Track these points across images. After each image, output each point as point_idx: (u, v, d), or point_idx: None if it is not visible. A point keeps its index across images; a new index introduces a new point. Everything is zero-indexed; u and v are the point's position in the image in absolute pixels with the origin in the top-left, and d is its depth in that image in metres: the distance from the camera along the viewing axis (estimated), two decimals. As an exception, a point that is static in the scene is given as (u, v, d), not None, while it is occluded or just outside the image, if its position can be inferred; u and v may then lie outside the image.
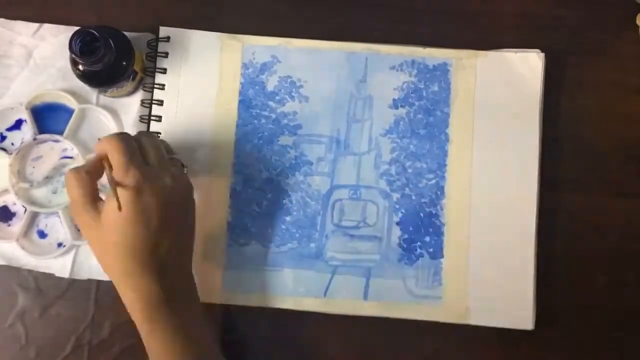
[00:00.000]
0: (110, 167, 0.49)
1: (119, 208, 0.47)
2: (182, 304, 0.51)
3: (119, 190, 0.48)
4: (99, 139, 0.51)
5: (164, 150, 0.53)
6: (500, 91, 0.60)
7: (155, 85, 0.60)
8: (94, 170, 0.50)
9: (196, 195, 0.55)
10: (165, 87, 0.60)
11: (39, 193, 0.59)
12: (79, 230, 0.59)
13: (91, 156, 0.51)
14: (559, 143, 0.60)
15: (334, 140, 0.60)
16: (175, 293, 0.50)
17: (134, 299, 0.50)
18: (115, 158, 0.49)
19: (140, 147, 0.51)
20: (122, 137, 0.50)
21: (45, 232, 0.59)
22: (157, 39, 0.61)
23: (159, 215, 0.49)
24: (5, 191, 0.59)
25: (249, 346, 0.59)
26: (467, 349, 0.58)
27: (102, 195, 0.51)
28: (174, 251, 0.51)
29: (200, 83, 0.60)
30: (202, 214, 0.58)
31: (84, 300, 0.59)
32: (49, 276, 0.59)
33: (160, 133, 0.59)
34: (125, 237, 0.48)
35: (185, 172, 0.56)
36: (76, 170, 0.50)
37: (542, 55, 0.60)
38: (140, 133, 0.53)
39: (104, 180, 0.50)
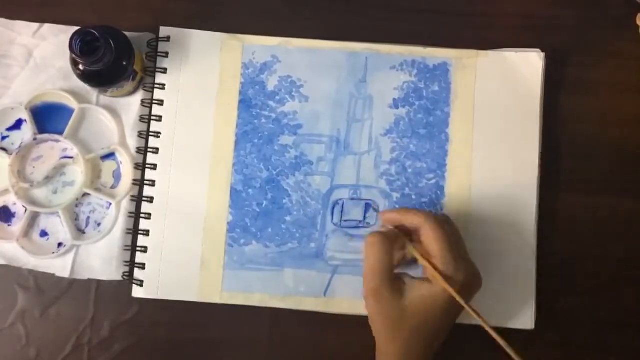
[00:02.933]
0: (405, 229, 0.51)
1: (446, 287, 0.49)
2: None
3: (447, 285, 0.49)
4: (412, 211, 0.53)
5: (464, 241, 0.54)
6: (501, 91, 0.60)
7: (156, 85, 0.60)
8: (394, 241, 0.51)
9: (196, 195, 0.56)
10: (166, 87, 0.60)
11: (39, 193, 0.59)
12: (79, 230, 0.59)
13: (402, 220, 0.53)
14: (559, 143, 0.60)
15: (334, 140, 0.60)
16: None
17: None
18: (442, 246, 0.50)
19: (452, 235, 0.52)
20: (442, 223, 0.51)
21: (46, 232, 0.59)
22: (158, 39, 0.61)
23: (459, 313, 0.51)
24: (6, 191, 0.59)
25: (249, 346, 0.59)
26: (467, 348, 0.58)
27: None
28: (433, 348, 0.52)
29: (201, 83, 0.60)
30: (202, 213, 0.59)
31: (84, 300, 0.59)
32: (49, 276, 0.59)
33: (160, 133, 0.60)
34: (427, 327, 0.50)
35: None
36: (384, 236, 0.51)
37: (543, 55, 0.60)
38: (445, 220, 0.53)
39: None
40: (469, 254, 0.54)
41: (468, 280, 0.50)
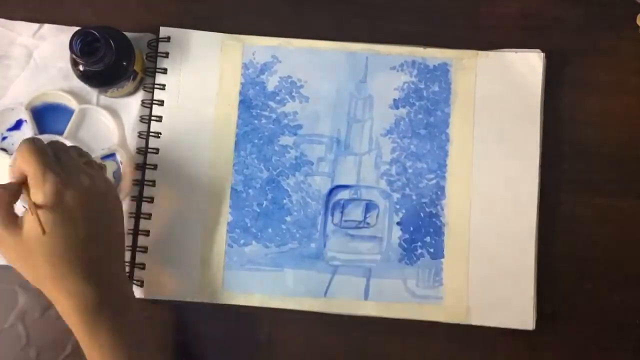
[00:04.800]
0: (26, 183, 0.48)
1: (43, 231, 0.46)
2: (120, 311, 0.50)
3: (40, 210, 0.47)
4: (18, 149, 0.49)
5: (75, 153, 0.52)
6: (501, 91, 0.60)
7: (156, 86, 0.60)
8: (9, 185, 0.49)
9: (196, 195, 0.55)
10: (166, 87, 0.60)
11: (39, 193, 0.59)
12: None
13: (16, 172, 0.50)
14: (559, 143, 0.60)
15: (334, 140, 0.60)
16: (112, 299, 0.50)
17: (70, 306, 0.48)
18: (31, 169, 0.48)
19: (54, 153, 0.49)
20: (34, 145, 0.48)
21: (46, 232, 0.59)
22: (158, 39, 0.61)
23: (83, 216, 0.48)
24: (6, 191, 0.59)
25: (249, 346, 0.59)
26: (467, 349, 0.58)
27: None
28: (104, 256, 0.50)
29: (201, 83, 0.60)
30: (203, 214, 0.59)
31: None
32: (49, 276, 0.59)
33: (160, 133, 0.60)
34: (52, 243, 0.47)
35: (104, 168, 0.56)
36: None
37: (543, 55, 0.60)
38: (49, 142, 0.51)
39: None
40: (97, 167, 0.53)
41: (62, 186, 0.47)
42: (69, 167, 0.50)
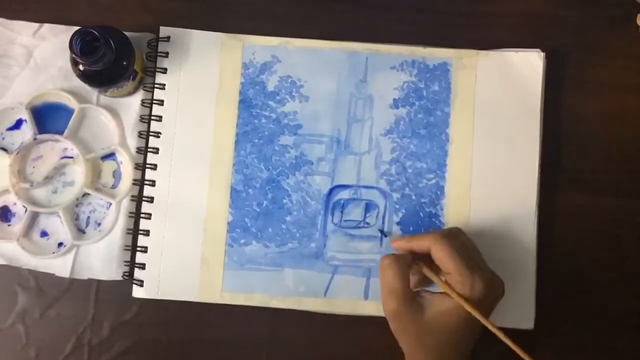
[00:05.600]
0: (432, 266, 0.52)
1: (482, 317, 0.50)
2: None
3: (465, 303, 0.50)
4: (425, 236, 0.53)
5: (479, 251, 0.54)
6: (501, 91, 0.60)
7: (156, 85, 0.60)
8: (409, 261, 0.52)
9: (196, 195, 0.55)
10: (166, 86, 0.60)
11: (39, 193, 0.59)
12: (79, 230, 0.59)
13: (416, 247, 0.53)
14: (559, 143, 0.60)
15: (334, 140, 0.60)
16: None
17: None
18: (456, 263, 0.50)
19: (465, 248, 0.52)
20: (449, 242, 0.51)
21: (46, 232, 0.59)
22: (158, 39, 0.61)
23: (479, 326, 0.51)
24: (6, 191, 0.59)
25: (249, 346, 0.59)
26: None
27: None
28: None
29: (201, 83, 0.60)
30: (203, 213, 0.59)
31: (84, 300, 0.59)
32: (49, 276, 0.59)
33: (160, 133, 0.59)
34: (450, 340, 0.50)
35: None
36: (394, 257, 0.52)
37: (543, 55, 0.60)
38: (457, 233, 0.54)
39: None
40: (486, 263, 0.54)
41: (487, 289, 0.51)
42: (483, 267, 0.53)
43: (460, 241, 0.53)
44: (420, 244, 0.52)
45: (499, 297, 0.53)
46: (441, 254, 0.51)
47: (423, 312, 0.51)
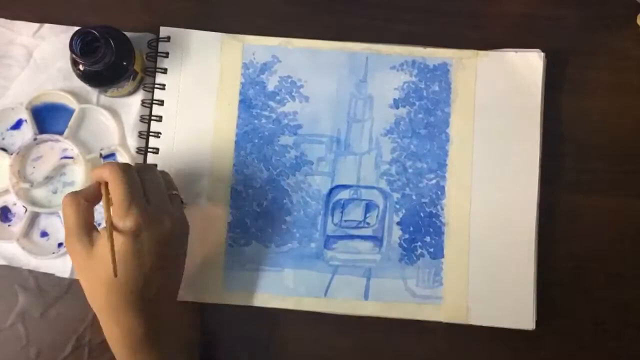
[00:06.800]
0: (108, 200, 0.48)
1: (113, 260, 0.46)
2: (166, 337, 0.51)
3: (116, 234, 0.47)
4: (102, 165, 0.49)
5: (164, 187, 0.52)
6: (501, 91, 0.60)
7: (156, 85, 0.60)
8: (92, 197, 0.49)
9: (196, 195, 0.55)
10: (166, 87, 0.60)
11: (40, 193, 0.59)
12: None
13: (94, 177, 0.50)
14: (559, 143, 0.60)
15: (334, 140, 0.60)
16: (159, 326, 0.50)
17: (117, 336, 0.49)
18: (117, 195, 0.47)
19: (142, 184, 0.49)
20: (126, 171, 0.48)
21: (46, 232, 0.59)
22: (158, 39, 0.61)
23: (153, 258, 0.48)
24: (6, 191, 0.59)
25: (248, 346, 0.59)
26: (467, 349, 0.58)
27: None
28: (163, 288, 0.50)
29: (201, 83, 0.60)
30: (203, 214, 0.59)
31: (84, 300, 0.58)
32: (50, 276, 0.59)
33: (160, 133, 0.59)
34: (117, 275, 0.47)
35: (184, 207, 0.55)
36: (74, 195, 0.49)
37: (543, 55, 0.60)
38: (142, 168, 0.51)
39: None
40: (170, 203, 0.51)
41: (143, 224, 0.47)
42: (155, 203, 0.49)
43: (133, 174, 0.49)
44: (100, 172, 0.49)
45: (167, 236, 0.49)
46: (111, 183, 0.48)
47: (94, 244, 0.48)
